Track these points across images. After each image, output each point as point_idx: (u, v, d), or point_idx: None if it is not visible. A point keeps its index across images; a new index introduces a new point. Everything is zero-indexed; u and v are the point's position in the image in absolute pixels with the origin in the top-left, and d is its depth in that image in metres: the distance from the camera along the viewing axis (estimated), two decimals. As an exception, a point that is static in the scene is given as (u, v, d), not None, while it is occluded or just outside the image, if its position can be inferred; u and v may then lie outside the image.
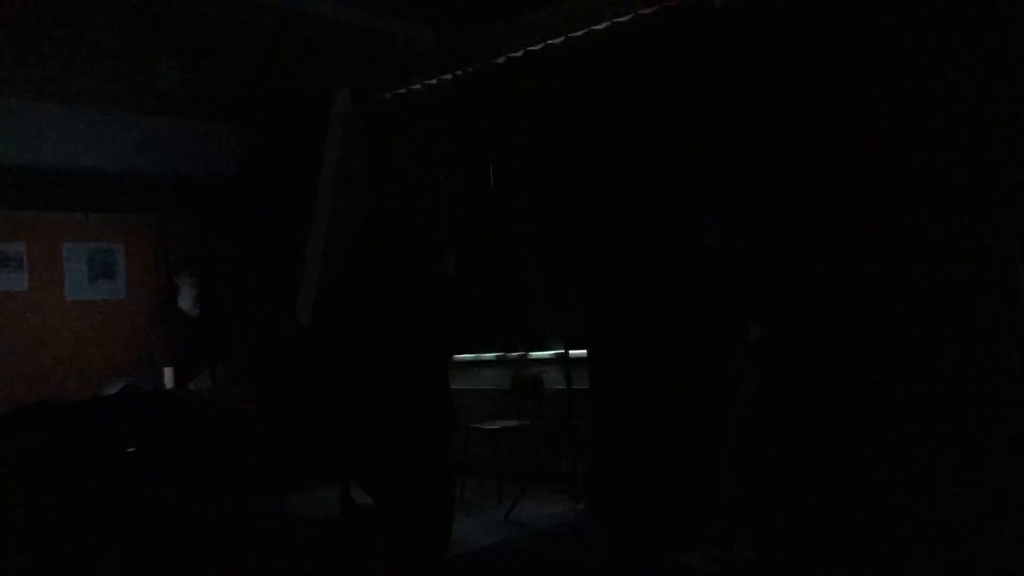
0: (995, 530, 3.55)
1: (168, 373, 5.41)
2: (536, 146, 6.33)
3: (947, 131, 4.18)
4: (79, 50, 5.74)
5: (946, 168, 4.05)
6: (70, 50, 5.73)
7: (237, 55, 6.07)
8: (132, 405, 4.64)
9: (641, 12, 5.67)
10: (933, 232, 4.13)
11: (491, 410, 6.65)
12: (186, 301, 5.60)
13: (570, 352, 5.79)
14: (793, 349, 4.30)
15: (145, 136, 7.23)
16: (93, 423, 4.43)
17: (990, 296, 3.94)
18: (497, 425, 6.17)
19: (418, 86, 7.20)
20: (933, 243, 4.14)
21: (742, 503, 3.71)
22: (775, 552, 3.79)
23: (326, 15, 5.31)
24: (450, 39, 6.05)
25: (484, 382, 6.85)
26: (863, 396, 4.36)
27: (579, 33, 6.04)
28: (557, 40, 6.16)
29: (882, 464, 4.25)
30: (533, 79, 6.27)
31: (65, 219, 6.78)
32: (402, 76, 7.00)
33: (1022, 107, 3.92)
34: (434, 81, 7.08)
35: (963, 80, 4.10)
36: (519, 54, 6.42)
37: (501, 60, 6.56)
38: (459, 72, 6.87)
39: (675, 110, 5.20)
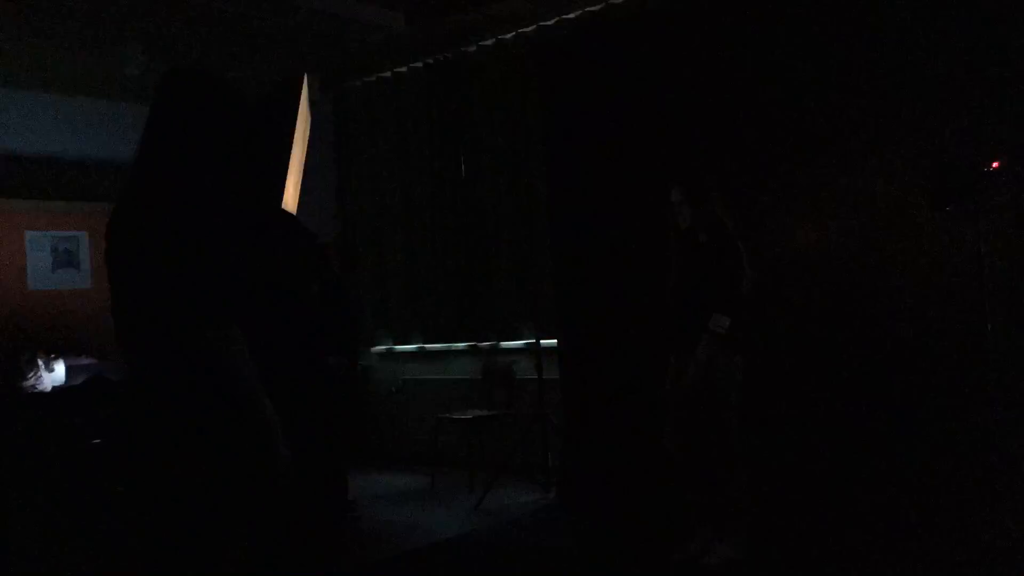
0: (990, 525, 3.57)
1: None
2: (506, 134, 6.30)
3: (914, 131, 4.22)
4: (43, 36, 5.62)
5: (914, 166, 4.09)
6: (34, 36, 5.61)
7: (204, 41, 5.98)
8: (98, 396, 4.58)
9: (613, 1, 5.66)
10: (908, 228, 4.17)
11: (462, 400, 6.64)
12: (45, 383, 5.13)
13: (541, 342, 5.79)
14: (767, 339, 4.32)
15: (110, 122, 7.11)
16: (58, 414, 4.36)
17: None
18: (468, 415, 6.16)
19: (388, 74, 7.14)
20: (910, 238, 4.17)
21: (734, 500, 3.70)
22: (763, 552, 3.81)
23: (296, 1, 5.25)
24: (421, 26, 6.00)
25: (455, 372, 6.84)
26: (841, 388, 4.40)
27: (550, 22, 6.02)
28: (528, 28, 6.14)
29: (872, 459, 4.28)
30: (504, 67, 6.24)
31: (27, 206, 6.64)
32: (372, 63, 6.94)
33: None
34: (404, 69, 7.03)
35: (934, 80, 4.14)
36: (490, 42, 6.39)
37: (472, 48, 6.52)
38: (430, 60, 6.83)
39: (646, 98, 5.20)
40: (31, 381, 5.16)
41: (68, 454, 4.41)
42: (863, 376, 4.35)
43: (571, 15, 5.92)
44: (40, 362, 5.19)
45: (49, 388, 5.17)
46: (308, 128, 4.33)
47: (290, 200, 4.11)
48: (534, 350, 5.81)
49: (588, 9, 5.82)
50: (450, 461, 6.44)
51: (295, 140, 4.12)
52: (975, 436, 3.58)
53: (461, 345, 6.84)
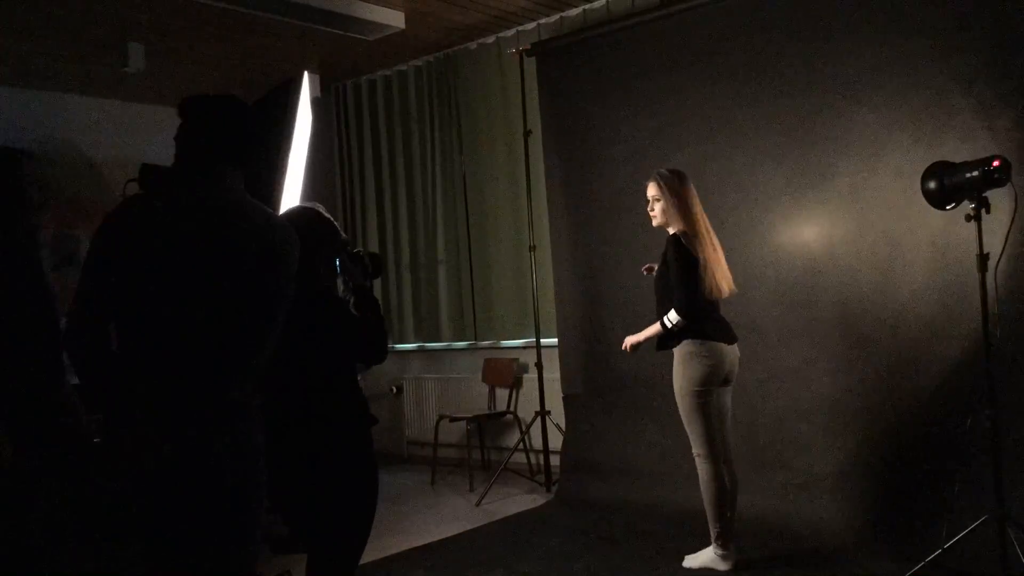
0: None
1: None
2: (507, 132, 6.29)
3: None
4: (43, 33, 5.62)
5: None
6: (34, 33, 5.61)
7: (205, 40, 5.98)
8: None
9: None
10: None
11: (462, 399, 6.63)
12: None
13: (541, 341, 5.78)
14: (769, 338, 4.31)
15: (109, 120, 7.11)
16: (57, 413, 4.35)
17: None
18: (468, 414, 6.15)
19: (389, 72, 7.13)
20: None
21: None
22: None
23: (296, 0, 5.24)
24: (421, 25, 6.00)
25: (455, 372, 6.83)
26: (842, 388, 4.38)
27: (551, 19, 6.01)
28: (529, 26, 6.12)
29: (872, 458, 4.28)
30: (504, 65, 6.22)
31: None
32: (372, 62, 6.93)
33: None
34: (405, 67, 7.01)
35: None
36: (490, 40, 6.37)
37: (472, 46, 6.51)
38: (430, 58, 6.81)
39: (645, 96, 5.20)
40: None
41: (69, 453, 4.40)
42: (863, 376, 4.34)
43: (572, 12, 5.91)
44: None
45: None
46: (308, 126, 4.34)
47: (288, 198, 4.12)
48: (534, 349, 5.80)
49: (588, 7, 5.81)
50: (450, 461, 6.44)
51: (295, 138, 4.13)
52: (976, 436, 3.57)
53: (461, 345, 6.83)
